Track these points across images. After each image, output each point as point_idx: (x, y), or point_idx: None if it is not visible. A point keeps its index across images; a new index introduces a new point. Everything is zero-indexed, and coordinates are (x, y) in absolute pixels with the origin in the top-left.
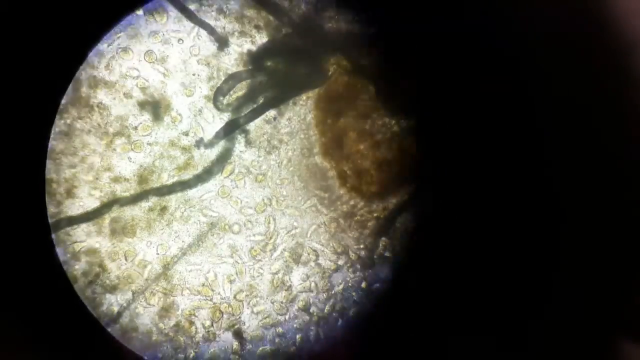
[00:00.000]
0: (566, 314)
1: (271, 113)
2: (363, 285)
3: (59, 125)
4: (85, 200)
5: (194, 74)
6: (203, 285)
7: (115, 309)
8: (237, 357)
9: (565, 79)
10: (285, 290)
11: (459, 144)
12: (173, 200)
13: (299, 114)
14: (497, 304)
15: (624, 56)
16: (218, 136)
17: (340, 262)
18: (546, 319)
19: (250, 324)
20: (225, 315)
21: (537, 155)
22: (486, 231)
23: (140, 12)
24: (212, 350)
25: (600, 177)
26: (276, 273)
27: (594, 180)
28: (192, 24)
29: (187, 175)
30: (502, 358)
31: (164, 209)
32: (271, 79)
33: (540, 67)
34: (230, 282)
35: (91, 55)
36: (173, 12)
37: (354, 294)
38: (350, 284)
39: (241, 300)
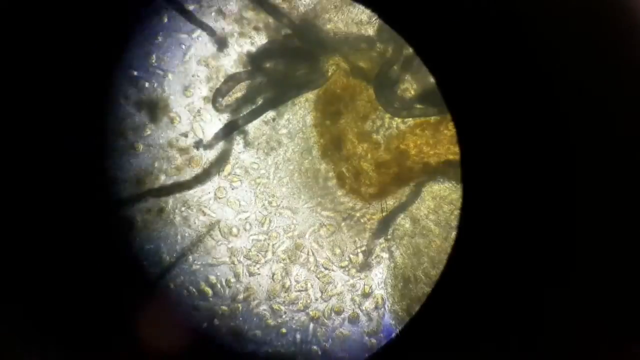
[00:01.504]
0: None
1: (270, 114)
2: (361, 286)
3: None
4: None
5: (192, 75)
6: (201, 287)
7: None
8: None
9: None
10: (284, 291)
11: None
12: (170, 201)
13: (298, 115)
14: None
15: None
16: (217, 137)
17: (339, 264)
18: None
19: (249, 326)
20: (223, 317)
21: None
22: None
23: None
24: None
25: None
26: (275, 274)
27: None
28: (191, 25)
29: (185, 176)
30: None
31: (161, 210)
32: (270, 80)
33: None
34: (229, 284)
35: None
36: (172, 13)
37: (352, 295)
38: (348, 285)
39: (239, 302)
